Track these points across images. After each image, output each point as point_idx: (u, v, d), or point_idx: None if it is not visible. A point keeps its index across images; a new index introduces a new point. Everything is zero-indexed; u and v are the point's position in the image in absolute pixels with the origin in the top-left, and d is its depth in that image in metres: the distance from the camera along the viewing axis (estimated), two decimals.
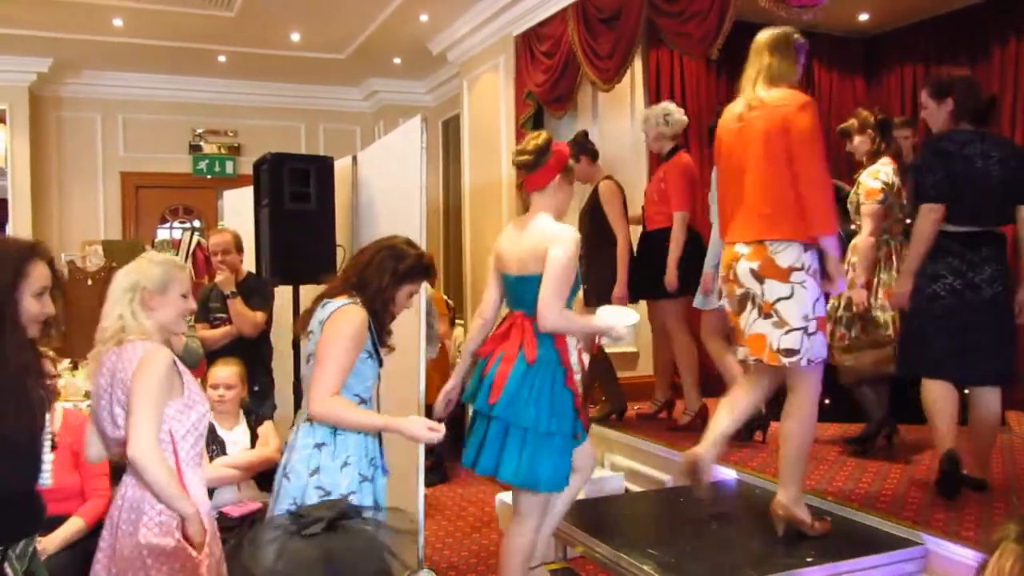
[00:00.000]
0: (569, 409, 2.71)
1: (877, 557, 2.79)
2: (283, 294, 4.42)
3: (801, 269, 2.75)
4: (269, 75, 8.00)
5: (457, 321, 6.89)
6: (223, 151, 8.42)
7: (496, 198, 6.06)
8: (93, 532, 2.70)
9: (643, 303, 4.62)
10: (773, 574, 2.64)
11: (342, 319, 2.48)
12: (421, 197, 3.67)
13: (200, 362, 4.32)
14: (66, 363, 4.63)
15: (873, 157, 4.00)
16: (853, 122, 4.15)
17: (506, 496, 4.76)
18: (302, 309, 4.34)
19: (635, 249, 4.62)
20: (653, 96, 5.63)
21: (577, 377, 2.79)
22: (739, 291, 2.86)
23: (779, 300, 2.75)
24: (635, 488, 4.25)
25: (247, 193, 4.91)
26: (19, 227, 7.34)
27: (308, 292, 4.34)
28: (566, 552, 3.39)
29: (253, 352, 4.26)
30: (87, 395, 3.30)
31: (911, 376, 3.44)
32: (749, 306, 2.84)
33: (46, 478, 2.07)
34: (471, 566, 3.90)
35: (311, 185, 4.17)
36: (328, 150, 7.01)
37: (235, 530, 3.11)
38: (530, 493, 2.74)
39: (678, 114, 4.48)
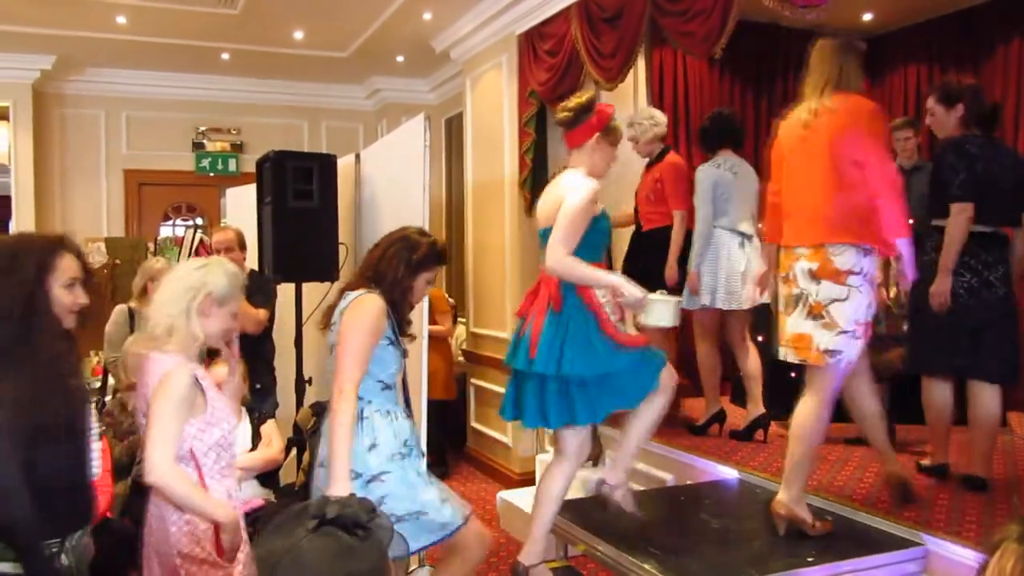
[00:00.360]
0: (610, 348, 2.74)
1: (878, 557, 2.79)
2: (286, 292, 4.42)
3: (858, 273, 2.80)
4: (272, 73, 8.00)
5: (460, 319, 6.90)
6: (226, 148, 8.43)
7: (499, 196, 6.06)
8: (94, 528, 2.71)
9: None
10: (774, 574, 2.64)
11: (358, 308, 2.55)
12: (424, 195, 3.68)
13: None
14: None
15: None
16: None
17: (507, 495, 4.77)
18: (305, 307, 4.37)
19: (629, 249, 4.65)
20: (656, 96, 5.63)
21: (614, 318, 2.82)
22: (794, 291, 2.90)
23: (833, 302, 2.80)
24: (637, 487, 4.24)
25: (250, 191, 4.92)
26: (22, 224, 7.34)
27: (310, 290, 4.36)
28: (567, 551, 3.39)
29: (255, 350, 4.26)
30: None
31: (920, 373, 3.49)
32: (800, 306, 2.87)
33: (96, 468, 2.08)
34: None
35: (314, 183, 4.18)
36: (331, 148, 7.01)
37: None
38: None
39: (660, 115, 4.58)
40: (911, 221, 3.79)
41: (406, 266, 2.64)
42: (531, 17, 5.66)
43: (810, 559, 2.72)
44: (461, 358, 6.67)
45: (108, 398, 4.19)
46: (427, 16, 6.27)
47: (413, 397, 3.69)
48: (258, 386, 4.15)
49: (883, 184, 2.78)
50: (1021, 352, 3.38)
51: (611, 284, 2.77)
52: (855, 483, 3.49)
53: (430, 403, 4.05)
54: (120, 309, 4.52)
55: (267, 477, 3.68)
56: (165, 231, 8.43)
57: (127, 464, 3.25)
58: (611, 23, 4.86)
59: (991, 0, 5.50)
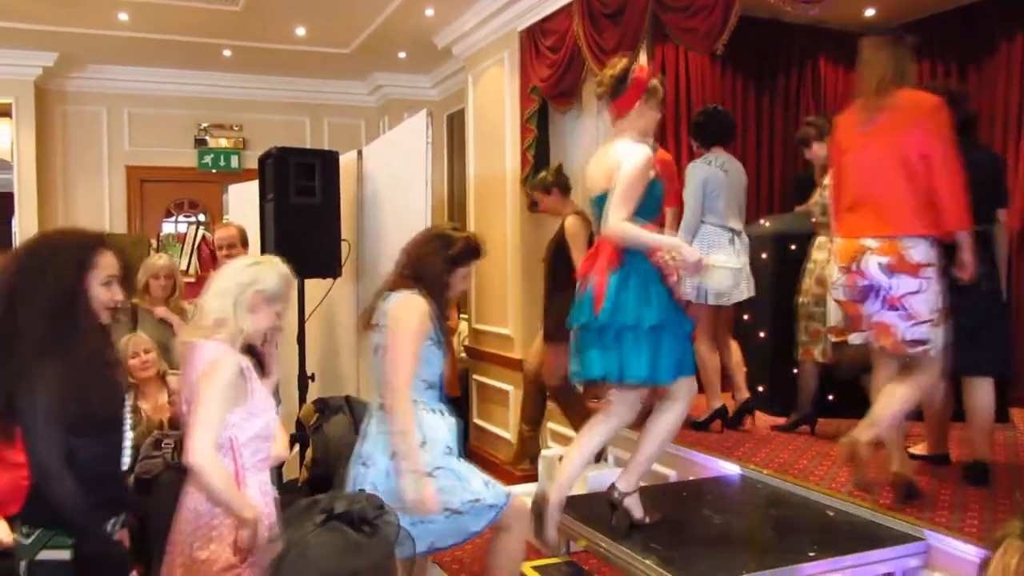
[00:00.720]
0: (670, 303, 2.83)
1: (879, 552, 2.79)
2: None
3: (930, 265, 2.91)
4: (274, 69, 8.00)
5: (461, 316, 6.91)
6: (228, 145, 8.43)
7: (500, 192, 6.06)
8: None
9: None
10: (775, 568, 2.65)
11: (404, 310, 2.59)
12: (426, 191, 3.69)
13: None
14: None
15: None
16: (811, 130, 4.26)
17: (512, 489, 4.77)
18: (307, 303, 4.37)
19: None
20: None
21: (674, 278, 2.88)
22: (862, 283, 2.98)
23: (908, 295, 2.90)
24: (640, 483, 4.25)
25: (252, 187, 4.92)
26: (25, 221, 7.36)
27: (313, 286, 4.37)
28: (569, 546, 3.40)
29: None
30: None
31: None
32: (872, 297, 2.96)
33: (127, 459, 2.13)
34: (475, 558, 3.90)
35: (316, 179, 4.19)
36: (333, 144, 7.01)
37: None
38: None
39: None
40: None
41: (444, 262, 2.68)
42: (533, 13, 5.65)
43: (811, 554, 2.72)
44: (463, 354, 6.67)
45: None
46: (429, 12, 6.27)
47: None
48: None
49: (947, 177, 2.88)
50: (1012, 347, 3.51)
51: (669, 246, 2.85)
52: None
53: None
54: None
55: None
56: (167, 228, 8.44)
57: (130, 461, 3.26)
58: (613, 19, 4.85)
59: None
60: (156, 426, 3.66)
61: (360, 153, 4.72)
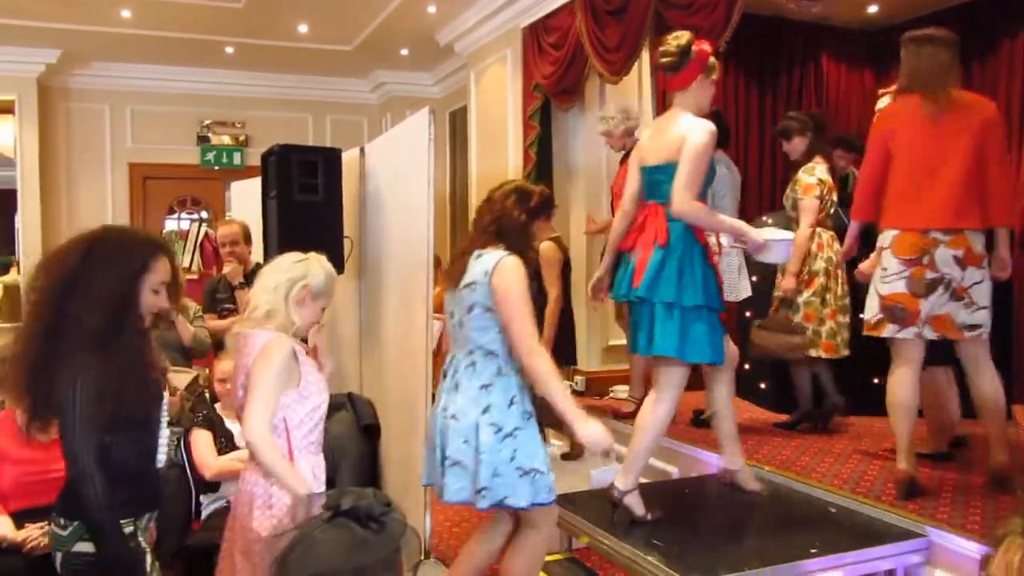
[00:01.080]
0: (713, 284, 2.87)
1: (881, 548, 2.80)
2: None
3: (985, 255, 3.08)
4: (277, 67, 8.01)
5: None
6: (231, 142, 8.44)
7: None
8: None
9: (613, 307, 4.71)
10: (777, 565, 2.65)
11: (511, 278, 2.57)
12: (428, 189, 3.68)
13: (208, 353, 4.35)
14: None
15: (807, 156, 4.22)
16: (793, 123, 4.27)
17: None
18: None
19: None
20: (660, 89, 5.62)
21: (717, 258, 2.93)
22: (931, 275, 3.04)
23: (974, 284, 3.05)
24: (641, 479, 4.25)
25: (255, 184, 4.92)
26: (28, 218, 7.38)
27: None
28: (571, 543, 3.40)
29: None
30: None
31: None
32: (940, 290, 3.03)
33: (162, 457, 2.17)
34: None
35: (319, 176, 4.18)
36: (335, 142, 7.01)
37: None
38: (672, 367, 2.93)
39: (634, 110, 4.60)
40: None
41: (526, 213, 2.70)
42: (535, 10, 5.66)
43: (813, 550, 2.72)
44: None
45: None
46: (431, 10, 6.27)
47: (417, 395, 3.71)
48: None
49: (1003, 174, 3.09)
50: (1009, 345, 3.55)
51: (736, 229, 2.89)
52: (859, 475, 3.50)
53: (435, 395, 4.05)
54: None
55: None
56: (170, 225, 8.46)
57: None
58: (616, 16, 4.86)
59: None
60: None
61: (362, 150, 4.71)
